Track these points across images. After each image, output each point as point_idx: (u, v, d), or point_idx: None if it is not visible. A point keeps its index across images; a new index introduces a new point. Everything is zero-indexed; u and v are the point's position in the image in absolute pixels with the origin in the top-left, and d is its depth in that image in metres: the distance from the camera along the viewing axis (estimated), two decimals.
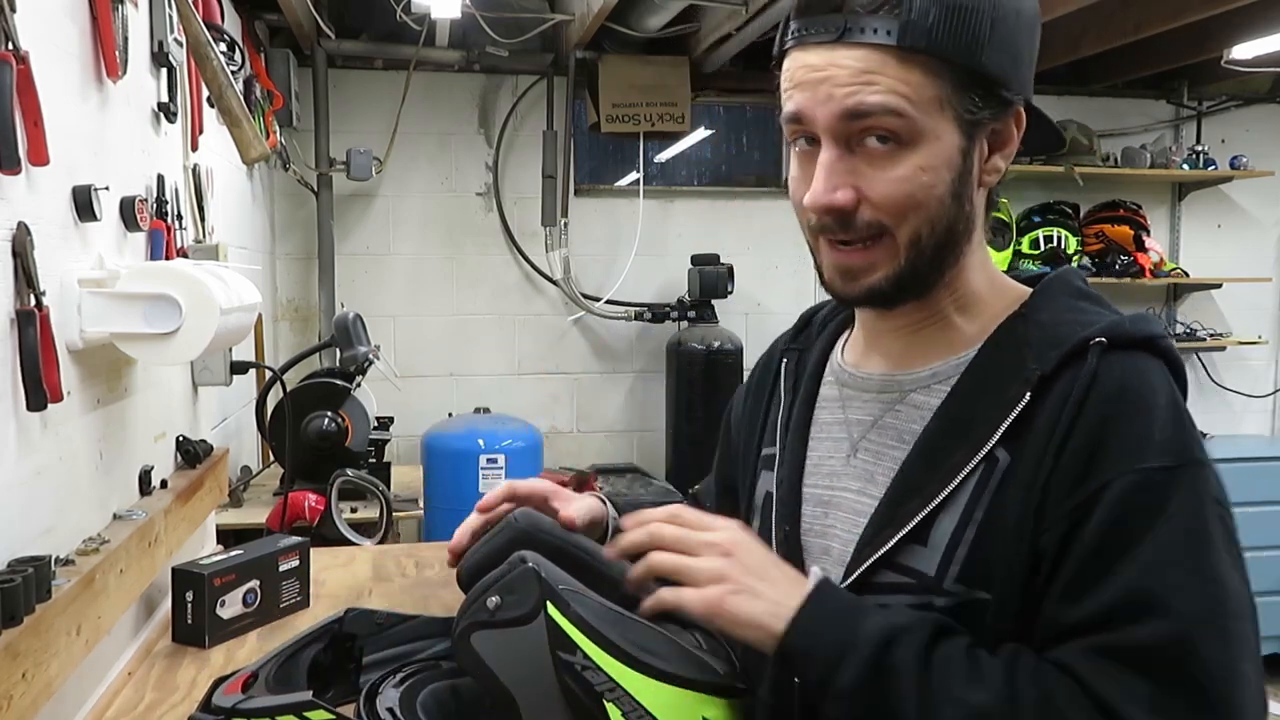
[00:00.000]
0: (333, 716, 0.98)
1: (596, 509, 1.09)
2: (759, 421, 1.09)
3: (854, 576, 0.88)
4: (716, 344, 4.55)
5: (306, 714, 0.98)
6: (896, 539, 0.86)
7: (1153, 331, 0.86)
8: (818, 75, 0.84)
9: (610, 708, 0.79)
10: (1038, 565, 0.80)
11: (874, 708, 0.79)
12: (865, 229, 0.86)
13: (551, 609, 0.80)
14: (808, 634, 0.82)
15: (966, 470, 0.84)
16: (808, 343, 1.08)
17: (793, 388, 1.05)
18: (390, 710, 0.93)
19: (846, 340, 1.03)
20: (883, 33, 0.81)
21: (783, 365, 1.09)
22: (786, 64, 0.87)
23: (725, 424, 1.22)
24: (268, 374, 2.80)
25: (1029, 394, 0.83)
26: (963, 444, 0.85)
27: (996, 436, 0.83)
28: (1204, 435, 0.82)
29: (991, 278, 0.94)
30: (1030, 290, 0.93)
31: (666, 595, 0.84)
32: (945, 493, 0.84)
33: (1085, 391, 0.81)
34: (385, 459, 3.41)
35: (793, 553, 0.96)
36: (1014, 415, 0.83)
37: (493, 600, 0.82)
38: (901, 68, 0.82)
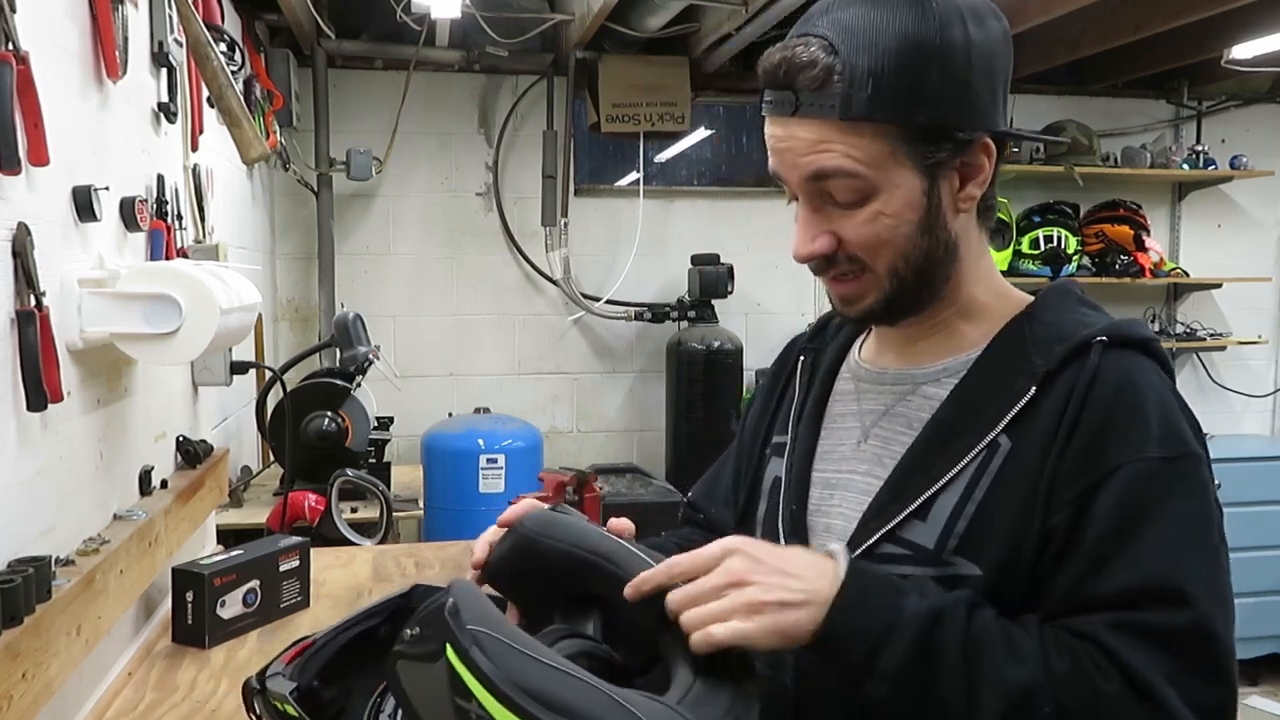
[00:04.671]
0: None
1: None
2: (769, 414, 1.16)
3: (863, 547, 0.94)
4: (716, 344, 4.55)
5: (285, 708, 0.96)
6: (905, 514, 0.92)
7: (1147, 335, 0.95)
8: (782, 145, 0.93)
9: None
10: (1046, 545, 0.87)
11: (918, 686, 0.83)
12: (846, 265, 0.96)
13: (449, 653, 0.75)
14: (851, 616, 0.84)
15: (971, 454, 0.91)
16: (824, 343, 1.15)
17: (808, 382, 1.12)
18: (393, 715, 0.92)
19: (863, 341, 1.10)
20: (827, 108, 0.89)
21: (800, 362, 1.15)
22: (765, 125, 0.96)
23: (740, 429, 1.25)
24: (268, 374, 2.80)
25: (1035, 387, 0.90)
26: (969, 430, 0.92)
27: (1003, 425, 0.90)
28: (1206, 435, 0.85)
29: (997, 288, 1.02)
30: (1032, 297, 1.01)
31: (718, 635, 0.82)
32: (951, 474, 0.91)
33: (1089, 386, 0.88)
34: (385, 459, 3.41)
35: (798, 530, 1.02)
36: (1020, 406, 0.90)
37: (410, 631, 0.79)
38: (849, 134, 0.90)
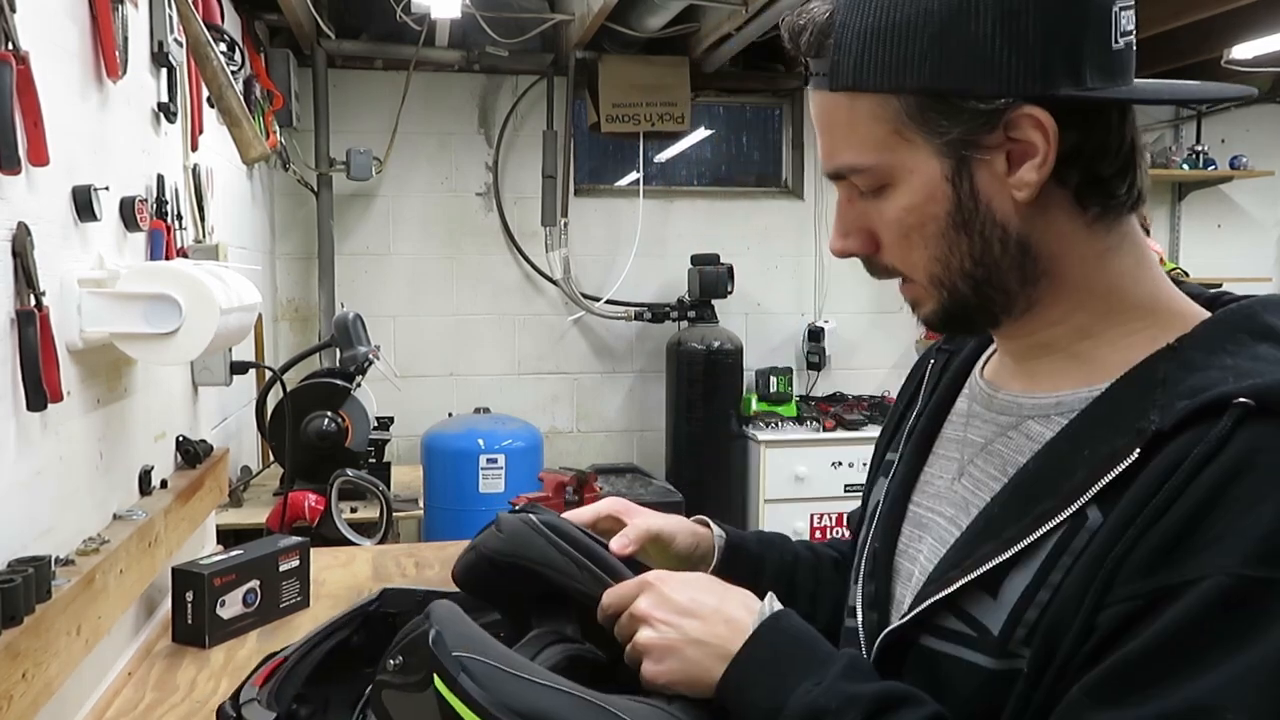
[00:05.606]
0: None
1: (680, 527, 1.06)
2: (894, 423, 1.01)
3: (914, 613, 0.79)
4: (716, 344, 4.55)
5: None
6: (961, 583, 0.76)
7: None
8: (816, 125, 0.82)
9: None
10: (1087, 638, 0.68)
11: None
12: (885, 273, 0.82)
13: (437, 682, 0.76)
14: (738, 690, 0.78)
15: (1051, 524, 0.72)
16: (960, 345, 0.97)
17: (931, 393, 0.96)
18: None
19: (992, 351, 0.91)
20: (821, 79, 0.77)
21: (929, 367, 0.99)
22: None
23: None
24: (268, 374, 2.80)
25: (1138, 450, 0.69)
26: (1052, 493, 0.73)
27: (1091, 493, 0.71)
28: None
29: (1155, 297, 0.79)
30: (1204, 317, 0.77)
31: (646, 675, 0.83)
32: (1023, 545, 0.73)
33: (1203, 461, 0.66)
34: (385, 459, 3.41)
35: (877, 571, 0.88)
36: (1116, 473, 0.69)
37: (392, 662, 0.80)
38: (849, 112, 0.77)
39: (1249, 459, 0.65)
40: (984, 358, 0.92)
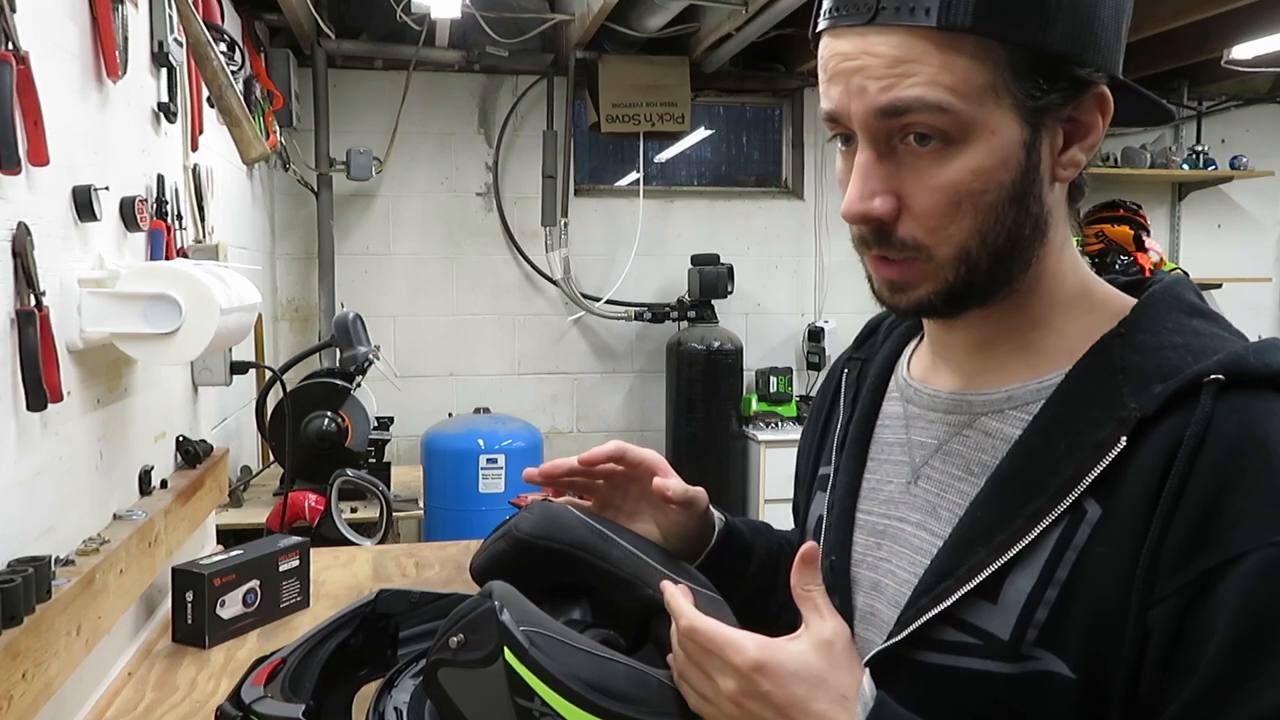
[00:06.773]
0: None
1: (701, 499, 1.03)
2: (816, 440, 0.99)
3: (911, 628, 0.76)
4: (716, 344, 4.55)
5: None
6: (960, 593, 0.73)
7: None
8: (850, 65, 0.71)
9: None
10: (1144, 645, 0.67)
11: None
12: (902, 247, 0.74)
13: (508, 654, 0.77)
14: None
15: (1047, 522, 0.71)
16: (872, 352, 0.95)
17: (853, 401, 0.93)
18: (396, 710, 0.93)
19: (914, 351, 0.90)
20: (920, 12, 0.68)
21: (844, 377, 0.97)
22: (821, 50, 0.74)
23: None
24: (268, 374, 2.80)
25: (1125, 438, 0.69)
26: (1043, 490, 0.71)
27: (1084, 485, 0.70)
28: None
29: (1085, 284, 0.80)
30: (1132, 302, 0.78)
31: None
32: (1020, 546, 0.71)
33: (1198, 442, 0.66)
34: (385, 459, 3.41)
35: (839, 585, 0.85)
36: (1106, 462, 0.69)
37: (455, 639, 0.81)
38: (944, 53, 0.68)
39: (1241, 432, 0.66)
40: (905, 359, 0.90)
